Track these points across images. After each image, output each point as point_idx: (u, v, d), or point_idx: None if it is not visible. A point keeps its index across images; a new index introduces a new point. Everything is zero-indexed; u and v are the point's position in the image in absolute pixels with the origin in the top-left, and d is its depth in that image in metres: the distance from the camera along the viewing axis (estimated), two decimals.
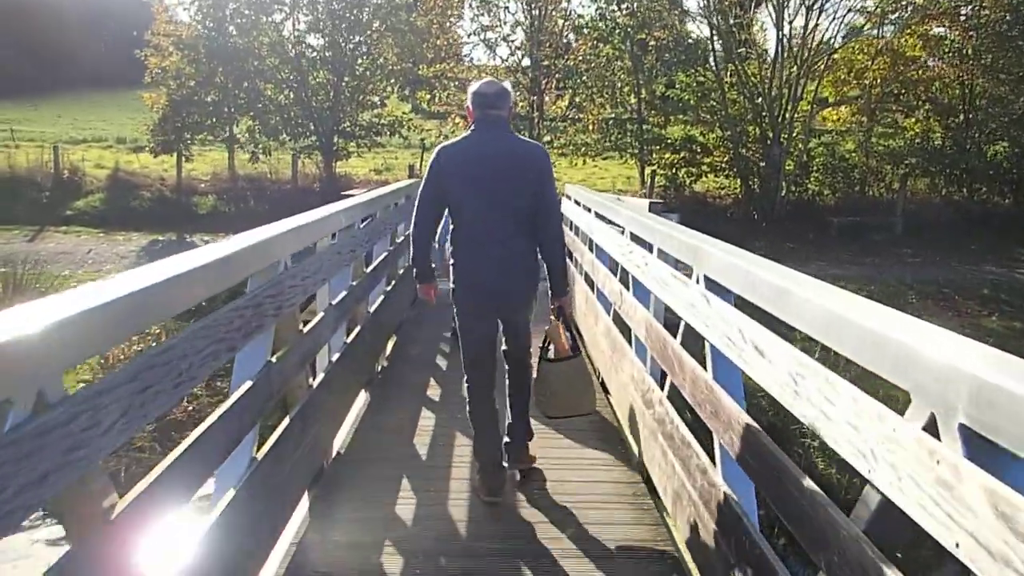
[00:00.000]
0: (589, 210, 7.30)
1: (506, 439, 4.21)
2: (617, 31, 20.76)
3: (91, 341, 1.85)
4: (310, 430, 3.69)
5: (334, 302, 4.39)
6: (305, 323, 3.78)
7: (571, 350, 4.22)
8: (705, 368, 3.14)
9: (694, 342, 3.43)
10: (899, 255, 17.62)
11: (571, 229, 8.81)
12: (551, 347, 4.22)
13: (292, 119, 20.61)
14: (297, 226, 3.57)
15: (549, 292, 4.13)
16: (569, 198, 9.23)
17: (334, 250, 4.33)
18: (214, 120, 20.51)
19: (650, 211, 7.32)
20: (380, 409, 5.44)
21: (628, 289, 5.03)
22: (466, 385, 4.11)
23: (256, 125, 20.52)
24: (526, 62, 21.23)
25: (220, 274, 2.59)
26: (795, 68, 19.45)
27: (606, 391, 5.79)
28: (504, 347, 4.17)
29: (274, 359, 3.14)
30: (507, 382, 4.21)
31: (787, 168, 19.90)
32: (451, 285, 3.98)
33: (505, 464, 4.17)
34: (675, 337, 3.58)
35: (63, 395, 1.65)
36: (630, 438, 4.64)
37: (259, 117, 20.48)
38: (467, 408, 4.13)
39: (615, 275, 5.57)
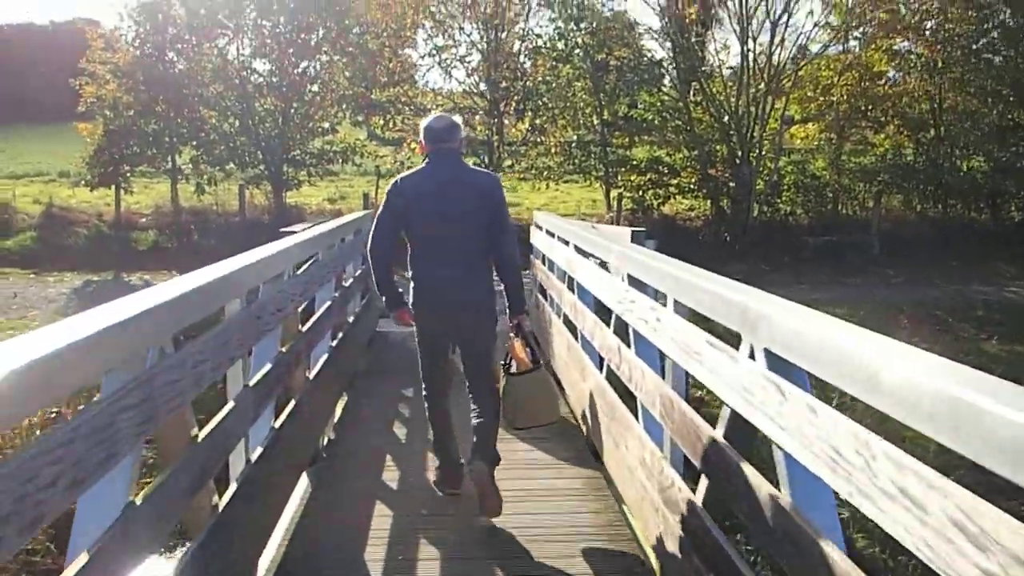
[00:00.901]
0: (567, 243, 6.34)
1: (471, 464, 4.18)
2: (576, 51, 19.99)
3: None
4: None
5: (251, 383, 3.35)
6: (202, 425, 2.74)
7: (532, 363, 4.41)
8: (777, 487, 2.17)
9: (743, 434, 2.48)
10: (880, 275, 16.95)
11: (543, 263, 7.87)
12: (512, 362, 4.42)
13: (238, 148, 19.46)
14: (186, 292, 2.54)
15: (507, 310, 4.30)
16: (540, 228, 8.28)
17: (250, 315, 3.30)
18: (154, 151, 19.28)
19: (633, 241, 6.47)
20: (325, 505, 4.39)
21: (628, 345, 4.06)
22: (424, 392, 4.46)
23: (200, 155, 19.33)
24: (483, 86, 20.34)
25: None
26: (762, 84, 18.81)
27: (598, 458, 4.81)
28: (465, 368, 4.31)
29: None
30: (473, 415, 4.28)
31: (758, 188, 19.23)
32: (410, 302, 4.21)
33: (462, 461, 4.40)
34: (706, 419, 2.62)
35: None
36: (650, 554, 3.59)
37: (203, 146, 19.29)
38: (425, 411, 4.50)
39: (607, 324, 4.59)
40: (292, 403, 4.22)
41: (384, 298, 4.31)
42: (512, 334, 4.41)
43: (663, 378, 3.43)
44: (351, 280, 6.81)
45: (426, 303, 4.16)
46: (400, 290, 4.25)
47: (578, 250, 5.91)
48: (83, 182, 19.07)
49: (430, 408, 4.44)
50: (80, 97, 19.08)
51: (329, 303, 5.53)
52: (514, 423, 4.46)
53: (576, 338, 5.72)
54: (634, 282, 4.05)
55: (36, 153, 27.38)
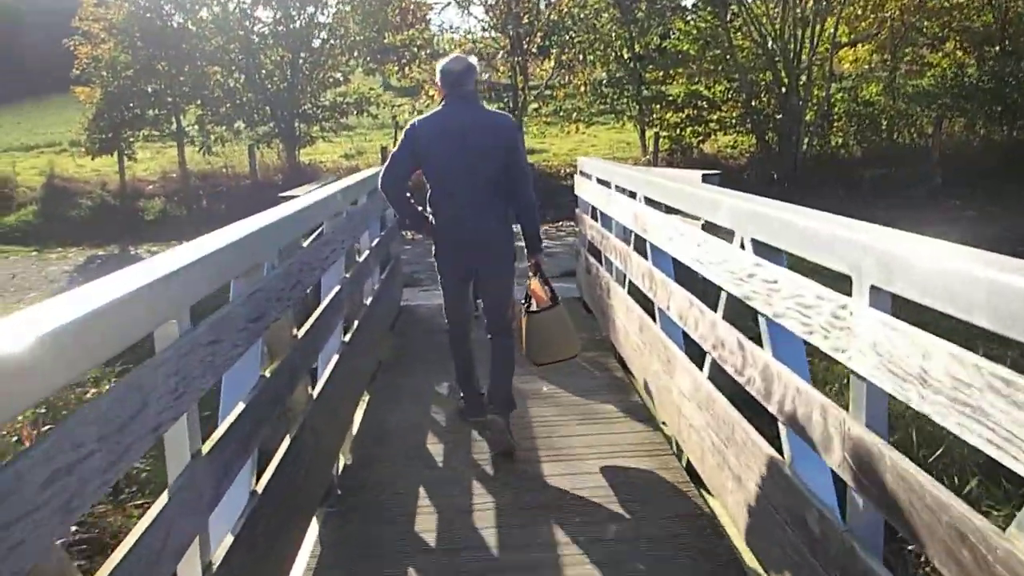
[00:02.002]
0: (632, 194, 5.06)
1: (487, 414, 4.35)
2: None
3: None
4: None
5: (232, 418, 2.17)
6: None
7: (550, 300, 4.48)
8: None
9: None
10: (947, 209, 15.44)
11: (595, 218, 6.59)
12: (532, 301, 4.47)
13: (245, 104, 18.19)
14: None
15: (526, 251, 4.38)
16: (588, 176, 6.99)
17: (207, 338, 2.08)
18: (157, 112, 18.06)
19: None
20: (339, 561, 3.24)
21: (765, 347, 2.81)
22: (447, 328, 4.61)
23: (205, 114, 18.10)
24: (504, 22, 18.78)
25: None
26: (810, 2, 17.11)
27: (700, 483, 3.61)
28: (483, 304, 4.56)
29: None
30: (490, 355, 4.43)
31: (807, 119, 17.66)
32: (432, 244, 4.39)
33: (482, 391, 4.61)
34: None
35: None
36: None
37: (208, 105, 18.05)
38: (449, 348, 4.68)
39: (717, 310, 3.32)
40: (288, 438, 3.03)
41: (407, 222, 4.58)
42: (531, 273, 4.48)
43: (860, 415, 2.16)
44: (367, 252, 5.58)
45: (447, 241, 4.31)
46: (420, 208, 4.35)
47: (650, 202, 4.63)
48: (84, 150, 17.94)
49: (452, 346, 4.64)
50: (75, 59, 17.87)
51: (338, 289, 4.31)
52: (536, 359, 4.54)
53: (654, 318, 4.48)
54: (762, 250, 2.80)
55: (48, 124, 26.30)
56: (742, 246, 2.99)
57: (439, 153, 4.14)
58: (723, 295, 3.21)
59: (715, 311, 3.31)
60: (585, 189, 7.06)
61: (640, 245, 4.87)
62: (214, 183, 17.99)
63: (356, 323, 4.83)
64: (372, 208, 5.99)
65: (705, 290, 3.62)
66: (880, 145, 18.32)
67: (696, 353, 3.71)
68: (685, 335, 3.94)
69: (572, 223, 16.12)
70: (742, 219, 2.97)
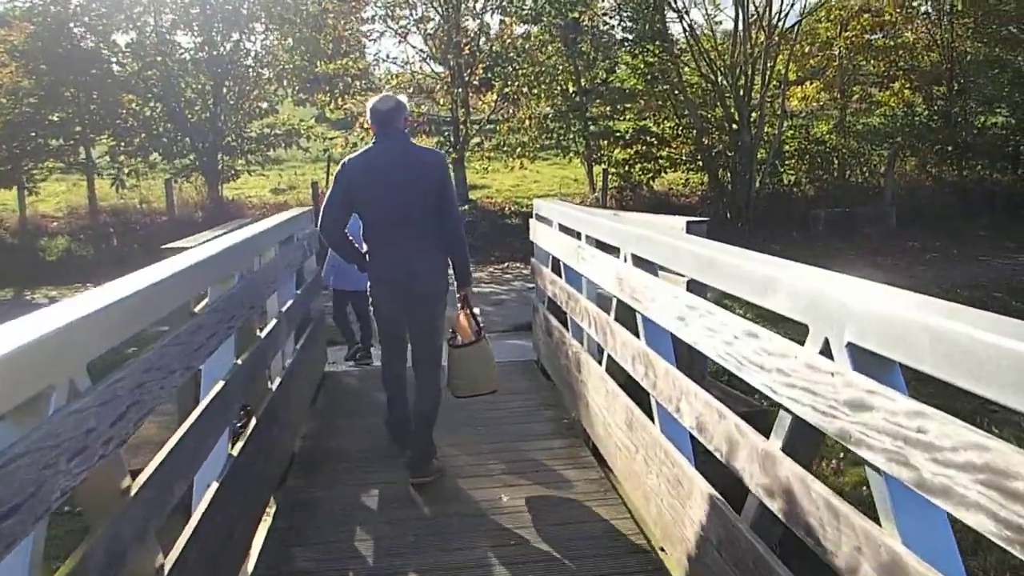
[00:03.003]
0: (615, 251, 4.00)
1: (408, 453, 4.44)
2: (547, 7, 17.49)
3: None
4: None
5: None
6: None
7: (474, 335, 4.50)
8: None
9: None
10: (906, 250, 14.85)
11: (559, 272, 5.53)
12: (456, 335, 4.51)
13: (163, 135, 16.76)
14: None
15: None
16: (547, 221, 5.93)
17: None
18: (62, 143, 16.51)
19: (689, 232, 4.30)
20: None
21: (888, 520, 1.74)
22: (382, 359, 4.69)
23: (118, 145, 16.62)
24: (443, 53, 17.77)
25: None
26: (761, 37, 16.56)
27: None
28: (411, 336, 4.47)
29: None
30: (415, 391, 4.43)
31: (759, 156, 17.03)
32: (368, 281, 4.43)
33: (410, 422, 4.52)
34: None
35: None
36: None
37: (121, 136, 16.58)
38: (382, 375, 4.72)
39: (774, 435, 2.25)
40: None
41: (352, 263, 4.54)
42: (460, 305, 4.51)
43: None
44: (273, 323, 4.37)
45: (380, 277, 4.34)
46: (363, 250, 4.42)
47: (639, 262, 3.57)
48: None
49: (385, 376, 4.67)
50: None
51: (222, 385, 3.12)
52: (455, 391, 4.59)
53: (652, 415, 3.39)
54: (863, 359, 1.76)
55: None
56: (827, 352, 1.93)
57: (369, 190, 4.17)
58: (786, 419, 2.15)
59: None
60: (544, 236, 5.98)
61: (626, 316, 3.80)
62: (126, 219, 16.50)
63: (255, 420, 3.63)
64: (284, 262, 4.81)
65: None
66: (832, 183, 17.81)
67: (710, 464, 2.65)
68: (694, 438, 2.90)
69: (520, 264, 15.13)
70: (838, 315, 1.91)
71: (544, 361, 6.22)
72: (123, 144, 16.60)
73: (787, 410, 2.13)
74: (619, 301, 3.86)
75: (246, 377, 3.43)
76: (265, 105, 17.32)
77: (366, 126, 17.22)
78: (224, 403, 3.07)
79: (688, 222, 4.74)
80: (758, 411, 4.86)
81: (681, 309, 2.85)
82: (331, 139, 17.63)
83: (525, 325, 8.38)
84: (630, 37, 18.49)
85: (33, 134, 16.08)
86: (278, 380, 4.32)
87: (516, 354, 7.10)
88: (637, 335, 3.64)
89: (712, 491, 2.69)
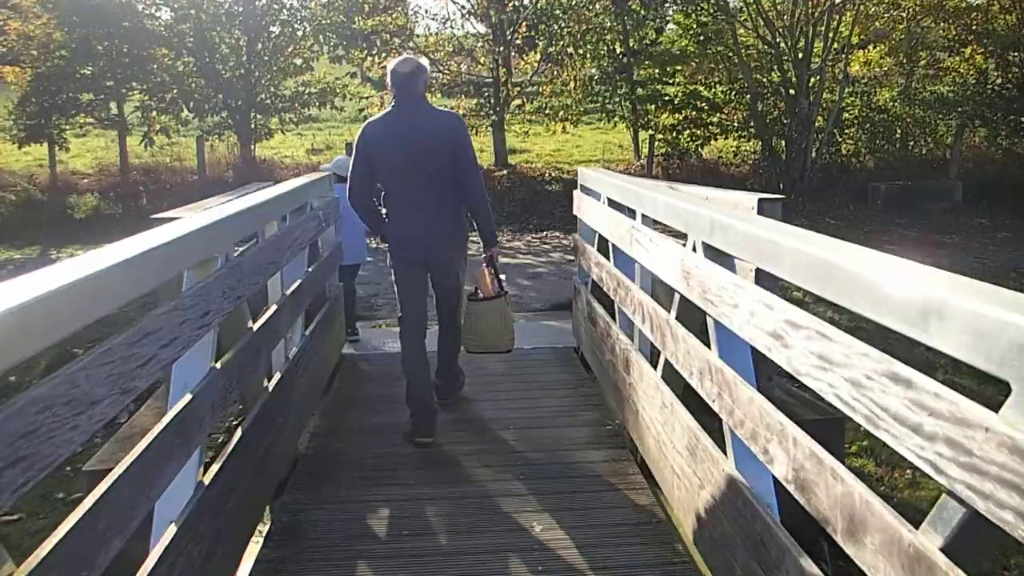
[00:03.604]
0: (683, 238, 3.31)
1: (436, 381, 4.66)
2: None
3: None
4: None
5: None
6: None
7: (495, 292, 4.50)
8: None
9: None
10: (976, 229, 13.87)
11: (607, 255, 4.84)
12: (478, 290, 4.52)
13: (195, 91, 16.22)
14: None
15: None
16: (594, 194, 5.24)
17: None
18: (93, 97, 16.06)
19: (761, 213, 3.62)
20: None
21: None
22: (399, 331, 4.52)
23: (151, 101, 16.11)
24: (485, 9, 16.93)
25: None
26: None
27: None
28: (435, 296, 4.55)
29: None
30: (437, 341, 4.65)
31: (816, 124, 16.04)
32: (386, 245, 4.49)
33: (436, 407, 4.46)
34: None
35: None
36: None
37: (153, 91, 16.07)
38: (400, 358, 4.52)
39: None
40: None
41: (373, 231, 4.78)
42: (484, 264, 4.53)
43: None
44: (272, 310, 3.75)
45: (399, 240, 4.37)
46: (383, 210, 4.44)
47: (714, 253, 2.88)
48: (10, 137, 15.91)
49: (404, 349, 4.49)
50: (3, 39, 15.79)
51: (188, 400, 2.52)
52: (468, 347, 4.57)
53: (723, 444, 2.73)
54: None
55: None
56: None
57: (388, 154, 4.22)
58: (956, 511, 1.47)
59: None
60: (590, 211, 5.29)
61: (691, 316, 3.12)
62: (157, 178, 16.05)
63: (240, 431, 3.04)
64: (292, 236, 4.19)
65: None
66: (894, 155, 16.77)
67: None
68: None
69: (559, 234, 14.41)
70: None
71: (585, 350, 5.57)
72: (155, 100, 16.10)
73: (959, 499, 1.45)
74: (683, 298, 3.17)
75: (226, 383, 2.82)
76: (300, 62, 16.67)
77: None
78: (189, 420, 2.46)
79: (760, 200, 4.02)
80: (829, 420, 4.15)
81: (777, 324, 2.17)
82: (367, 98, 16.96)
83: (565, 304, 7.71)
84: None
85: (65, 87, 15.62)
86: (278, 376, 3.72)
87: (553, 338, 6.45)
88: (704, 341, 2.97)
89: (815, 572, 2.02)
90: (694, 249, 3.05)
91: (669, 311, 3.36)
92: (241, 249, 3.48)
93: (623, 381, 4.20)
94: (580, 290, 5.63)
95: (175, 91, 16.11)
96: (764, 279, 2.57)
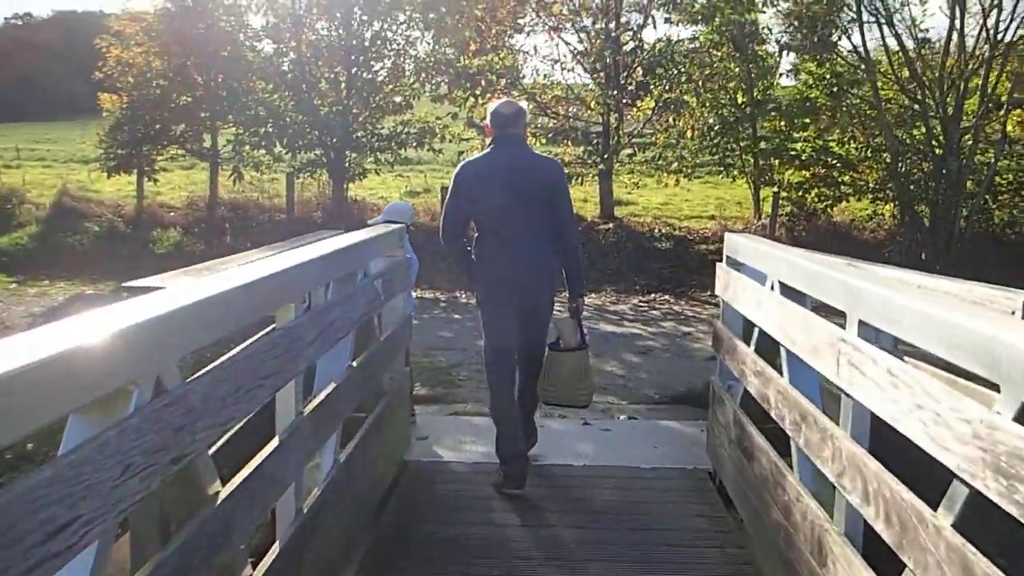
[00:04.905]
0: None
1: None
2: (722, 7, 15.16)
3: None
4: None
5: None
6: None
7: (577, 344, 4.41)
8: None
9: None
10: None
11: (764, 354, 3.42)
12: (560, 340, 4.44)
13: (291, 126, 15.51)
14: None
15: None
16: (745, 268, 3.83)
17: None
18: (186, 128, 15.53)
19: None
20: None
21: None
22: (488, 379, 4.43)
23: (243, 134, 15.48)
24: (600, 50, 15.73)
25: None
26: (985, 46, 13.71)
27: None
28: (520, 344, 4.36)
29: None
30: (519, 379, 4.43)
31: (966, 188, 14.16)
32: (476, 290, 4.55)
33: (527, 454, 4.35)
34: None
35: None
36: None
37: (247, 124, 15.43)
38: (489, 403, 4.48)
39: None
40: None
41: (466, 275, 4.57)
42: (570, 315, 4.46)
43: None
44: (267, 453, 2.47)
45: (492, 281, 4.32)
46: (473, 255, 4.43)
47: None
48: (100, 166, 15.52)
49: (493, 396, 4.41)
50: (102, 64, 15.49)
51: None
52: (545, 397, 4.48)
53: None
54: None
55: (61, 141, 24.20)
56: None
57: (486, 194, 4.19)
58: None
59: None
60: (745, 296, 3.86)
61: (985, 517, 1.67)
62: (244, 215, 15.34)
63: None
64: (326, 319, 2.92)
65: None
66: None
67: None
68: None
69: (668, 298, 12.91)
70: None
71: (728, 483, 4.10)
72: (248, 133, 15.47)
73: None
74: (977, 494, 1.72)
75: None
76: (400, 100, 15.81)
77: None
78: None
79: None
80: None
81: None
82: (467, 140, 15.93)
83: (687, 397, 6.25)
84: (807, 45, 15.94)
85: (159, 116, 15.15)
86: (289, 535, 2.41)
87: (678, 450, 4.96)
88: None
89: None
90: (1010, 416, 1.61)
91: (950, 500, 1.90)
92: (235, 351, 2.23)
93: (806, 566, 2.73)
94: (723, 399, 4.17)
95: (269, 125, 15.44)
96: None
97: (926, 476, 2.19)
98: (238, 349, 2.42)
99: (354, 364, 3.41)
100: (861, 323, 2.47)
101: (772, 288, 3.46)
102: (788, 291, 3.31)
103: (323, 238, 4.25)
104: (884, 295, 2.36)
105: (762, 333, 3.63)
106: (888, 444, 2.44)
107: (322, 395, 2.97)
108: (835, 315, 2.88)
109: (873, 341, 2.45)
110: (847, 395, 2.51)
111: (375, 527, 3.80)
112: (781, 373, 3.29)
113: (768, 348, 3.59)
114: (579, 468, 4.66)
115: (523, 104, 4.51)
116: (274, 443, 2.53)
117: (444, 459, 4.81)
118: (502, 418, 4.29)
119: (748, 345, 3.80)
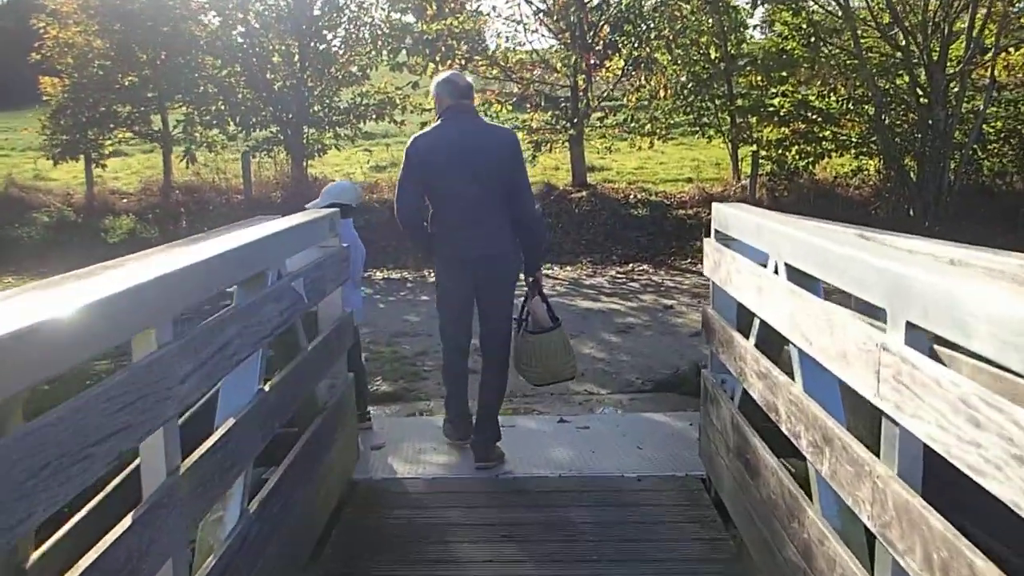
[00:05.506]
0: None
1: (472, 437, 4.32)
2: None
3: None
4: None
5: None
6: None
7: (551, 320, 4.38)
8: None
9: None
10: None
11: (766, 349, 2.80)
12: (530, 319, 4.38)
13: (243, 103, 14.67)
14: None
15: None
16: (738, 245, 3.21)
17: None
18: (133, 110, 14.66)
19: None
20: None
21: None
22: (443, 346, 4.46)
23: (193, 113, 14.63)
24: (564, 8, 14.94)
25: None
26: None
27: None
28: (482, 328, 4.31)
29: None
30: (480, 380, 4.37)
31: (954, 139, 13.60)
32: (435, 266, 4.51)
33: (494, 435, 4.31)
34: None
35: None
36: None
37: (196, 103, 14.57)
38: (442, 367, 4.53)
39: None
40: None
41: (421, 252, 4.93)
42: (533, 295, 4.40)
43: None
44: (149, 503, 1.85)
45: (446, 258, 4.28)
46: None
47: None
48: (45, 154, 14.65)
49: (446, 367, 4.44)
50: (39, 45, 14.55)
51: None
52: (533, 381, 4.48)
53: None
54: None
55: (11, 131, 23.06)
56: None
57: (440, 168, 4.11)
58: None
59: None
60: (742, 281, 3.23)
61: None
62: (200, 198, 14.52)
63: None
64: (220, 339, 2.28)
65: None
66: None
67: None
68: None
69: (647, 267, 12.28)
70: None
71: (724, 494, 3.50)
72: (199, 112, 14.62)
73: None
74: None
75: None
76: (356, 70, 14.99)
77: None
78: None
79: None
80: None
81: None
82: (429, 110, 15.13)
83: (673, 383, 5.65)
84: None
85: (108, 97, 14.25)
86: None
87: (665, 451, 4.35)
88: None
89: None
90: None
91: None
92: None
93: None
94: (718, 398, 3.56)
95: (221, 102, 14.60)
96: None
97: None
98: (72, 400, 1.76)
99: (266, 388, 2.76)
100: (910, 326, 1.84)
101: (776, 271, 2.83)
102: (795, 274, 2.69)
103: (234, 231, 3.58)
104: (948, 290, 1.72)
105: (764, 327, 3.01)
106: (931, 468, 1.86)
107: (214, 437, 2.32)
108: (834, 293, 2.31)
109: (926, 350, 1.83)
110: (892, 421, 1.89)
111: (317, 557, 3.18)
112: (791, 375, 2.68)
113: (772, 339, 2.98)
114: (554, 480, 4.05)
115: (469, 78, 4.50)
116: (136, 514, 1.89)
117: (399, 475, 4.18)
118: (451, 382, 4.37)
119: (747, 338, 3.18)
